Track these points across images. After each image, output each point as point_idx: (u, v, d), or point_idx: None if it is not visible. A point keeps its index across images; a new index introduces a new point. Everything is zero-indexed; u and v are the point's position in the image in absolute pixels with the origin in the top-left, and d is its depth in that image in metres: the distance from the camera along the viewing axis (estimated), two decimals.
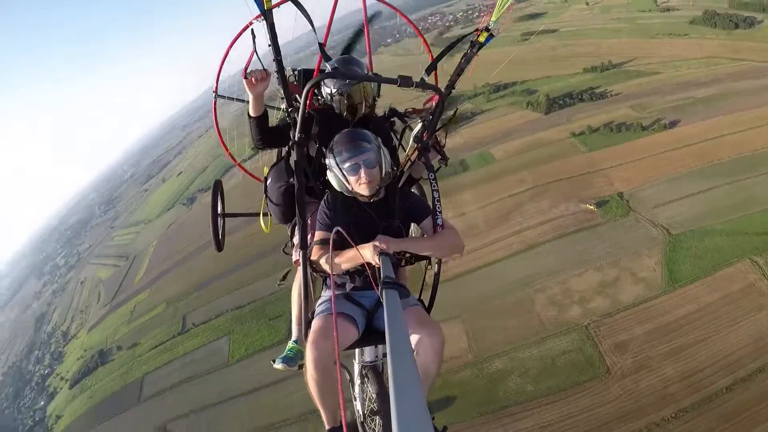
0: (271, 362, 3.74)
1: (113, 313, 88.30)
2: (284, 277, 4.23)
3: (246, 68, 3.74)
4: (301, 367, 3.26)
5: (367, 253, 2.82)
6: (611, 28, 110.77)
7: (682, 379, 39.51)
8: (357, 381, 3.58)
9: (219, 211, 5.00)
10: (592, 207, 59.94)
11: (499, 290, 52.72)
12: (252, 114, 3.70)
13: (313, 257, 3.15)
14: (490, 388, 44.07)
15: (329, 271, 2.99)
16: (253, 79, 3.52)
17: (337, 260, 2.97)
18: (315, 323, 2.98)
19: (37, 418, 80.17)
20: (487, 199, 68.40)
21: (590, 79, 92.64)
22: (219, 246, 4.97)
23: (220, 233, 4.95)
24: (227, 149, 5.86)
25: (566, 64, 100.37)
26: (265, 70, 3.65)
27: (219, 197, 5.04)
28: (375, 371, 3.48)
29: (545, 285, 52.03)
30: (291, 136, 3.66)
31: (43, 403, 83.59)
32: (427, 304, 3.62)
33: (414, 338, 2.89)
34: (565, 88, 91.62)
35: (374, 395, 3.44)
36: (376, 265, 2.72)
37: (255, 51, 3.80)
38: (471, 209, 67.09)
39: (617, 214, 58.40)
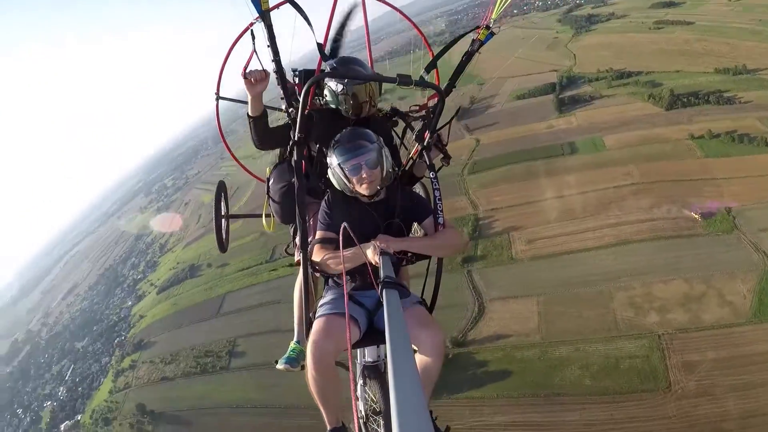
0: (274, 363, 3.81)
1: (209, 235, 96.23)
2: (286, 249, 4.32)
3: (245, 68, 3.74)
4: (303, 367, 3.26)
5: (367, 252, 2.82)
6: (751, 29, 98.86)
7: (741, 418, 36.82)
8: (359, 381, 3.48)
9: (222, 213, 5.14)
10: (696, 216, 55.87)
11: (581, 279, 51.57)
12: (251, 114, 3.79)
13: (314, 257, 3.14)
14: (548, 373, 44.00)
15: (331, 270, 3.04)
16: (252, 79, 3.59)
17: (337, 259, 2.92)
18: (316, 324, 2.95)
19: (122, 315, 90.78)
20: (589, 186, 66.13)
21: (720, 81, 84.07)
22: (223, 247, 5.12)
23: (223, 235, 5.10)
24: (230, 149, 5.82)
25: (697, 61, 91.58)
26: (264, 70, 3.73)
27: (222, 199, 5.17)
28: (377, 371, 3.43)
29: (629, 284, 50.03)
30: (291, 136, 3.65)
31: (130, 303, 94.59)
32: (429, 303, 3.55)
33: (415, 338, 2.80)
34: (692, 86, 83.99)
35: (376, 396, 3.42)
36: (377, 265, 2.72)
37: (254, 51, 3.80)
38: (572, 193, 65.55)
39: (720, 229, 54.00)
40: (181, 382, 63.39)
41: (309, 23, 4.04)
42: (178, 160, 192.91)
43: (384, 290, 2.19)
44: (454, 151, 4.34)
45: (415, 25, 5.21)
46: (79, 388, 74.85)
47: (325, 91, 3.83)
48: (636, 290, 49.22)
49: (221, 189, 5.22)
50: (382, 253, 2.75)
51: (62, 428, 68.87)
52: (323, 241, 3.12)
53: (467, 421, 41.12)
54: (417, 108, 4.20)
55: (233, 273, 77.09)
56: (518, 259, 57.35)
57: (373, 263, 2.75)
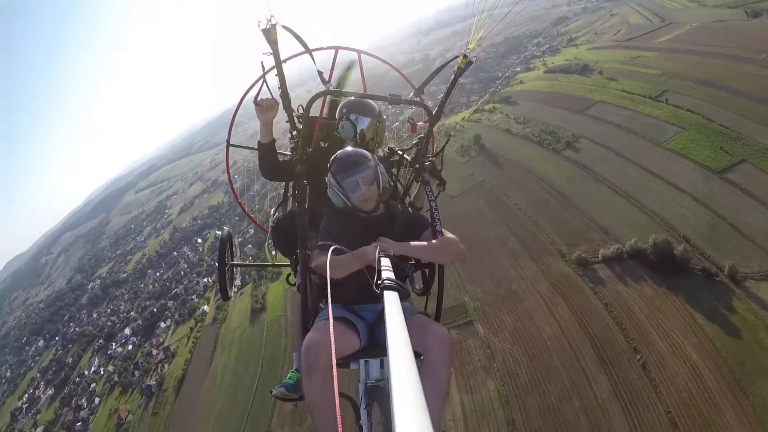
0: (270, 392, 3.75)
1: (615, 50, 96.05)
2: None
3: (257, 96, 3.96)
4: (302, 397, 3.00)
5: (368, 254, 2.80)
6: None
7: None
8: (362, 405, 3.01)
9: (227, 262, 5.40)
10: None
11: None
12: (262, 140, 3.98)
13: (314, 263, 3.19)
14: None
15: (332, 274, 2.81)
16: (264, 105, 3.86)
17: (337, 263, 2.84)
18: (312, 330, 2.83)
19: (506, 74, 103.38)
20: None
21: None
22: (226, 296, 5.40)
23: (227, 283, 5.37)
24: (238, 198, 6.00)
25: None
26: (273, 98, 3.97)
27: (228, 249, 5.49)
28: (381, 392, 3.00)
29: None
30: (295, 164, 3.83)
31: (519, 69, 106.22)
32: (433, 315, 3.45)
33: (420, 343, 2.66)
34: None
35: (380, 419, 3.02)
36: (377, 267, 2.55)
37: (264, 80, 4.08)
38: None
39: None
40: (517, 140, 76.41)
41: (309, 52, 4.51)
42: None
43: (384, 292, 2.00)
44: None
45: (400, 71, 5.96)
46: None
47: (340, 125, 4.09)
48: None
49: (228, 239, 5.56)
50: (383, 255, 2.68)
51: None
52: (323, 248, 2.98)
53: None
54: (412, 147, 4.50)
55: (616, 90, 78.50)
56: None
57: (374, 265, 2.54)
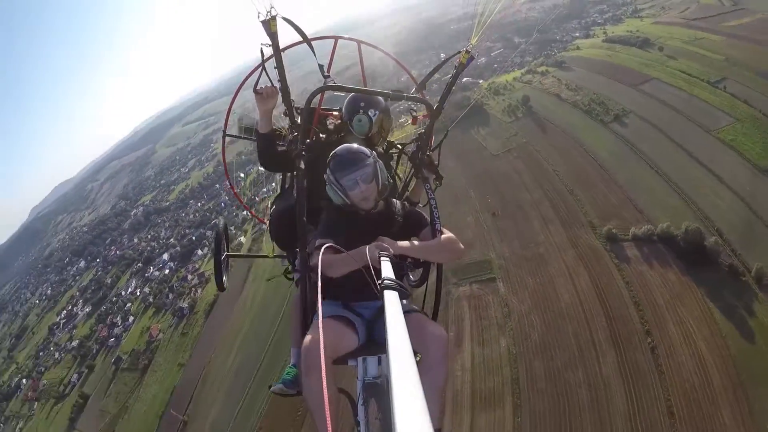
0: (268, 388, 3.71)
1: (680, 27, 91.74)
2: None
3: (256, 85, 3.90)
4: (300, 392, 3.13)
5: (367, 254, 2.76)
6: None
7: None
8: (359, 401, 3.04)
9: (222, 253, 5.37)
10: None
11: None
12: (260, 130, 3.96)
13: (312, 261, 3.02)
14: None
15: (331, 272, 2.92)
16: (264, 94, 3.83)
17: (336, 261, 2.88)
18: (311, 329, 2.81)
19: (564, 39, 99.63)
20: None
21: None
22: (221, 286, 5.34)
23: (223, 274, 5.31)
24: (234, 188, 5.94)
25: None
26: (273, 87, 3.91)
27: (223, 240, 5.43)
28: (378, 389, 3.00)
29: None
30: (294, 153, 3.84)
31: (578, 35, 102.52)
32: (431, 314, 3.45)
33: (418, 341, 2.60)
34: None
35: (377, 415, 3.03)
36: (376, 266, 2.59)
37: (264, 69, 3.95)
38: None
39: None
40: (566, 106, 75.12)
41: (311, 46, 4.40)
42: None
43: (384, 291, 2.03)
44: None
45: (400, 62, 5.80)
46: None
47: (356, 119, 4.04)
48: None
49: (224, 231, 5.56)
50: (383, 255, 2.70)
51: None
52: (321, 246, 2.92)
53: None
54: (408, 133, 4.57)
55: (676, 69, 75.22)
56: None
57: (373, 264, 2.60)
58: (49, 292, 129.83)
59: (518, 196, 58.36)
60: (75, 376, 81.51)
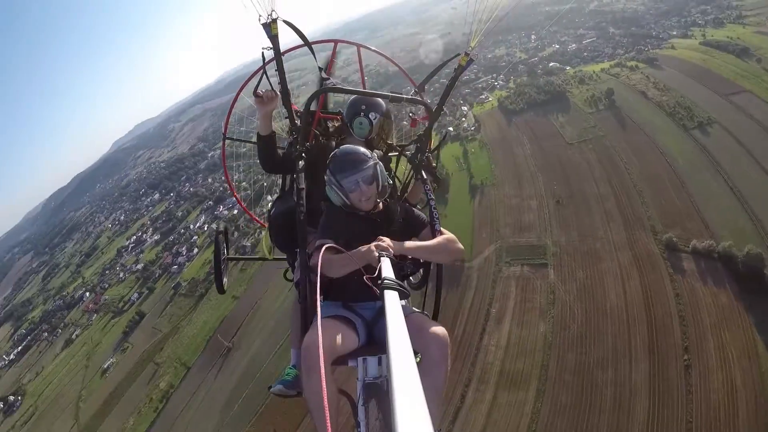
0: (268, 389, 3.66)
1: None
2: None
3: (256, 88, 3.87)
4: (300, 393, 3.14)
5: (367, 254, 2.78)
6: None
7: None
8: (360, 402, 2.97)
9: (222, 257, 5.19)
10: None
11: None
12: (261, 133, 3.96)
13: (312, 262, 3.00)
14: None
15: (331, 272, 2.92)
16: (264, 97, 3.83)
17: (337, 261, 2.88)
18: (311, 329, 2.68)
19: (660, 36, 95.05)
20: None
21: None
22: (222, 289, 5.12)
23: (223, 276, 5.12)
24: (234, 192, 5.92)
25: None
26: (273, 90, 3.90)
27: (223, 243, 5.31)
28: (379, 389, 2.95)
29: None
30: (294, 154, 3.87)
31: (674, 33, 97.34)
32: (431, 314, 3.43)
33: (418, 342, 2.63)
34: None
35: (377, 415, 2.95)
36: (376, 266, 2.57)
37: (265, 72, 3.93)
38: None
39: None
40: (650, 106, 73.71)
41: (311, 49, 4.42)
42: None
43: (384, 291, 2.03)
44: None
45: (399, 66, 5.87)
46: None
47: (357, 122, 4.10)
48: None
49: (224, 234, 5.46)
50: (383, 255, 2.69)
51: None
52: (321, 247, 2.88)
53: None
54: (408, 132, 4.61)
55: None
56: None
57: (373, 264, 2.62)
58: (122, 218, 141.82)
59: (585, 188, 58.26)
60: (135, 295, 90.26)
